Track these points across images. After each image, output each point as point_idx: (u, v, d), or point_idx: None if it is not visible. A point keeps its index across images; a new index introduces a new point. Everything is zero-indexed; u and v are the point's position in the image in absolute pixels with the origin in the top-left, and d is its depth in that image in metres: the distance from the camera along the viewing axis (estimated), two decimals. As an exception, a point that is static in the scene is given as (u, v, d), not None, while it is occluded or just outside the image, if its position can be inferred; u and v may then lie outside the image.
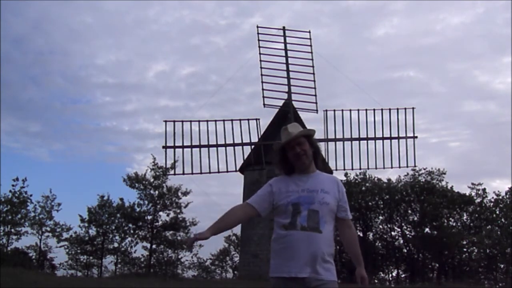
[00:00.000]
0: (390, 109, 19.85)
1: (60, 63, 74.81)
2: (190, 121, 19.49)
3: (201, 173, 19.27)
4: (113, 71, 75.07)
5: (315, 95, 19.99)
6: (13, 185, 27.32)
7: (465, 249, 32.73)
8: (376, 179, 34.60)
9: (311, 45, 20.79)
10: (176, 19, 76.35)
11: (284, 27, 21.19)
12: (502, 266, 31.57)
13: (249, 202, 3.27)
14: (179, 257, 31.00)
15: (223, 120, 19.73)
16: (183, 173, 19.65)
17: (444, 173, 33.66)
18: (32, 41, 74.17)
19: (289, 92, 20.46)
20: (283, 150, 3.30)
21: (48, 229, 28.87)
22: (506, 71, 71.11)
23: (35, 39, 75.19)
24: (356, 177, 34.45)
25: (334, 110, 19.75)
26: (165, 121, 19.08)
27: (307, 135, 3.31)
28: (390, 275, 35.59)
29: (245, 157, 20.59)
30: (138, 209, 29.49)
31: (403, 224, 34.48)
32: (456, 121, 67.47)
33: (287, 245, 3.07)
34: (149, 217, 29.67)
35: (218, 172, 19.46)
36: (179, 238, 30.33)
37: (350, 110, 19.67)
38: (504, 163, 56.46)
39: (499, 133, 61.63)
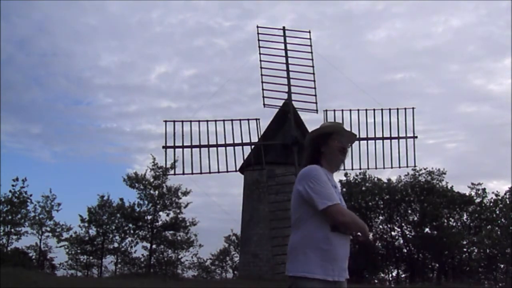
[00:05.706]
0: (390, 109, 19.82)
1: (64, 65, 74.97)
2: (190, 121, 19.45)
3: (201, 173, 19.22)
4: (116, 72, 75.12)
5: (315, 95, 19.93)
6: (13, 185, 27.44)
7: (465, 249, 32.71)
8: (376, 179, 34.64)
9: (311, 45, 20.77)
10: (180, 21, 76.33)
11: (284, 27, 21.13)
12: (502, 266, 31.56)
13: (339, 203, 2.98)
14: (179, 257, 31.07)
15: (223, 120, 19.69)
16: (183, 173, 19.61)
17: (444, 173, 33.68)
18: (36, 43, 74.29)
19: (289, 92, 20.41)
20: (328, 136, 3.16)
21: (48, 229, 28.95)
22: (502, 73, 71.31)
23: (39, 40, 75.31)
24: (356, 177, 34.50)
25: (334, 111, 19.72)
26: (165, 121, 19.04)
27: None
28: (390, 275, 35.60)
29: (245, 157, 20.57)
30: (138, 209, 29.57)
31: (403, 224, 34.46)
32: (452, 122, 67.60)
33: (331, 248, 2.94)
34: (149, 217, 29.75)
35: (218, 172, 19.41)
36: (179, 238, 30.38)
37: (350, 111, 19.64)
38: (501, 164, 56.55)
39: (495, 134, 61.86)
